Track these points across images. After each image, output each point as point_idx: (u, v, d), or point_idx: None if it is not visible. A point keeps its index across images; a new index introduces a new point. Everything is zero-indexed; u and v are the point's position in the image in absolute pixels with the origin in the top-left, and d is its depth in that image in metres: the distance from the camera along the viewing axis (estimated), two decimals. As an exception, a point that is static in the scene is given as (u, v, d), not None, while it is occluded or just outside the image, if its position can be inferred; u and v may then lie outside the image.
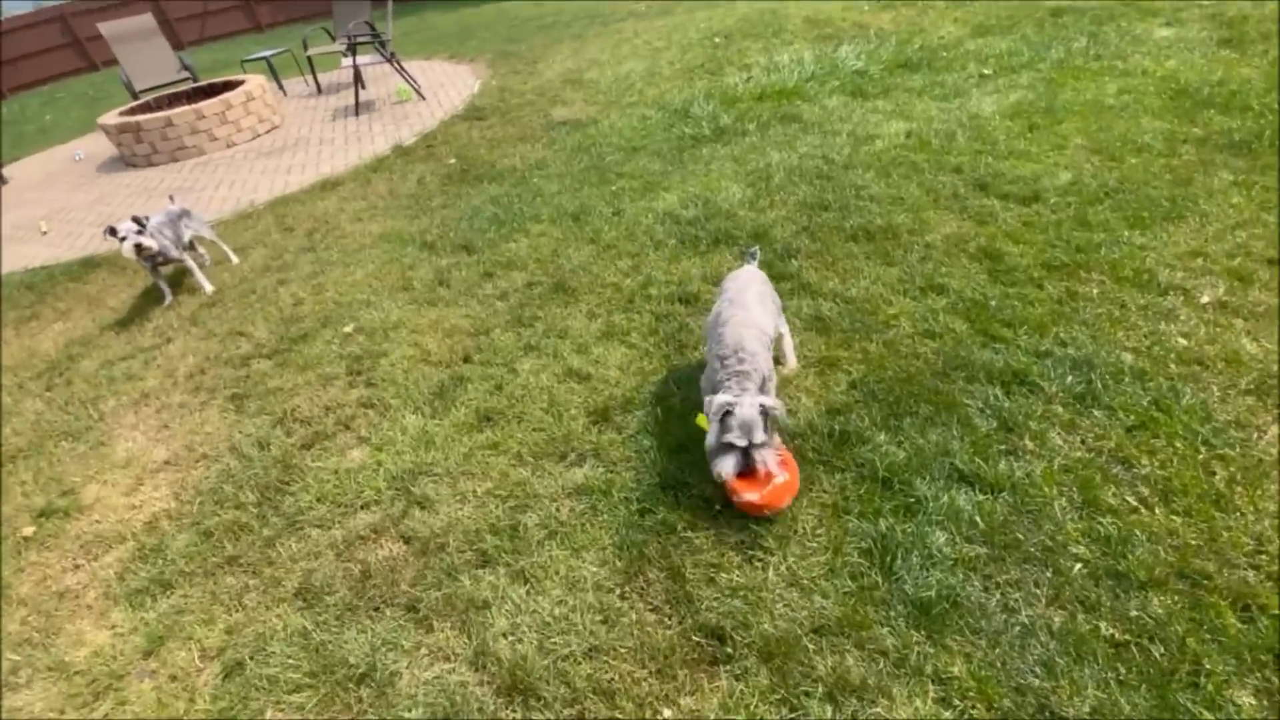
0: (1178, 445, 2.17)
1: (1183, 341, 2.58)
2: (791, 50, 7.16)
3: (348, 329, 3.67)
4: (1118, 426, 2.28)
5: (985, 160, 4.18)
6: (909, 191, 3.99)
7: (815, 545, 2.09)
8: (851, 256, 3.47)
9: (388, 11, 8.90)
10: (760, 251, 2.93)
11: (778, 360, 2.73)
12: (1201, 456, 2.11)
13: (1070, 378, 2.48)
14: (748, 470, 2.03)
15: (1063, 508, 2.06)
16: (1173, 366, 2.47)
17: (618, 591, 2.04)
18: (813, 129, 5.17)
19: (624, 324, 3.21)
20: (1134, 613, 1.74)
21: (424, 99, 8.17)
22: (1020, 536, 1.99)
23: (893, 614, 1.86)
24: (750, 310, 2.34)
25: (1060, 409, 2.38)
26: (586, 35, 9.89)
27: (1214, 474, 2.05)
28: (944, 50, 6.47)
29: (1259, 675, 1.55)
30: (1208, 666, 1.58)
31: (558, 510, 2.32)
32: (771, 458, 2.04)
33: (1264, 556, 1.79)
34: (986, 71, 5.76)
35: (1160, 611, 1.72)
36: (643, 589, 2.04)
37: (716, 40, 8.05)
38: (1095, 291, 2.92)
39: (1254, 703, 1.50)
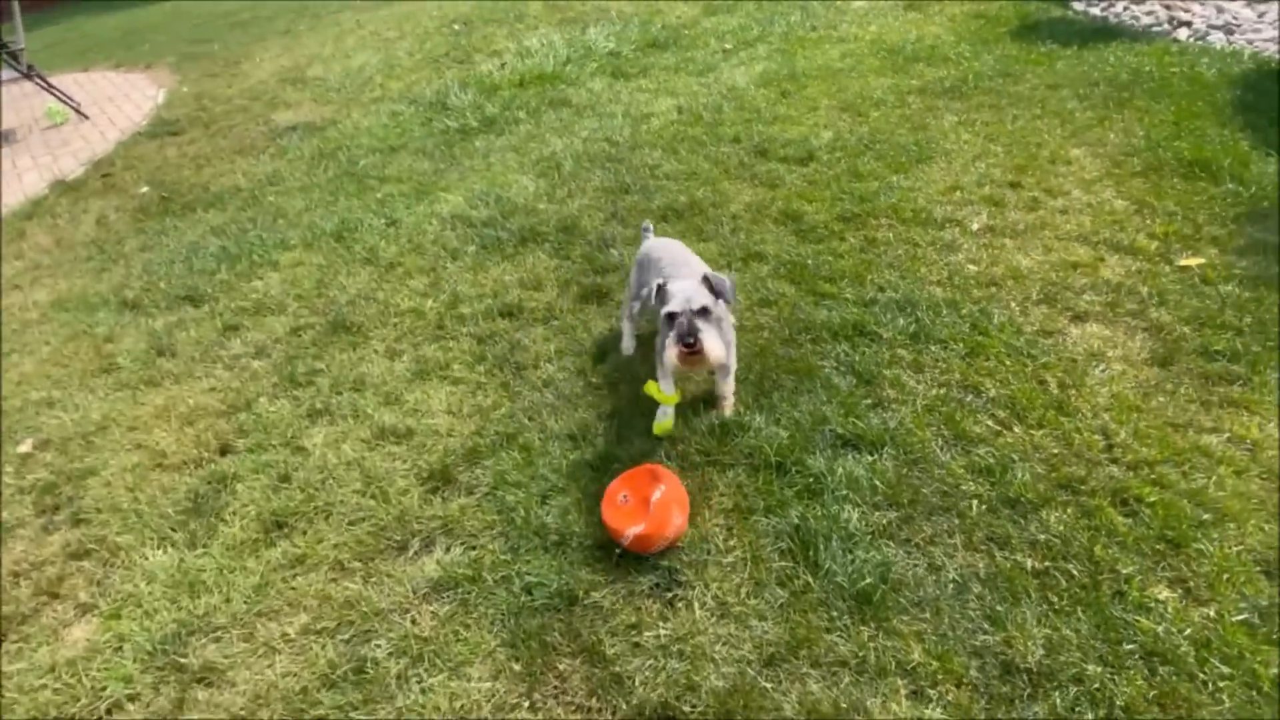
0: (1007, 363, 2.32)
1: (973, 268, 2.82)
2: (539, 35, 6.85)
3: (23, 448, 2.54)
4: (954, 357, 2.38)
5: (756, 128, 4.31)
6: (699, 165, 3.94)
7: (733, 560, 1.84)
8: (668, 236, 3.28)
9: (15, 15, 6.69)
10: (639, 229, 2.58)
11: None
12: (1029, 369, 2.28)
13: (900, 320, 2.56)
14: (691, 347, 1.82)
15: (940, 447, 2.07)
16: (974, 291, 2.67)
17: (526, 704, 1.58)
18: (586, 112, 4.93)
19: (439, 356, 2.64)
20: (1040, 536, 1.77)
21: (87, 118, 6.32)
22: (918, 489, 1.95)
23: (835, 614, 1.68)
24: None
25: (903, 352, 2.43)
26: (297, 30, 8.54)
27: (1045, 383, 2.22)
28: (685, 29, 6.68)
29: (1165, 565, 1.65)
30: (1123, 572, 1.64)
31: (415, 624, 1.76)
32: (713, 338, 1.85)
33: (1117, 450, 1.95)
34: (728, 46, 6.04)
35: (1061, 529, 1.77)
36: (558, 688, 1.61)
37: (456, 28, 7.43)
38: (889, 235, 3.10)
39: (1172, 594, 1.59)
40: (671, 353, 1.84)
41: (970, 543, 1.80)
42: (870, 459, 2.05)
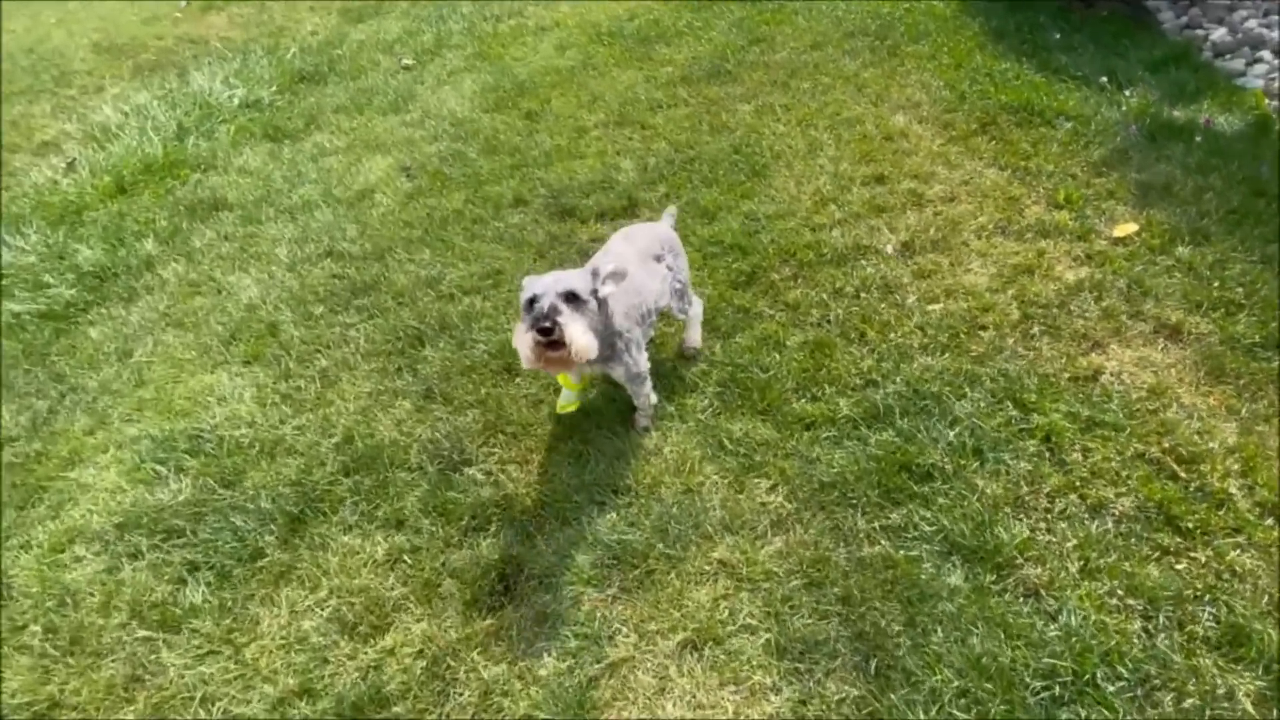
0: (1094, 446, 1.77)
1: (937, 308, 2.23)
2: (112, 100, 4.54)
3: None
4: (1040, 465, 1.76)
5: (534, 175, 3.19)
6: (497, 255, 2.73)
7: None
8: (534, 407, 2.09)
9: None
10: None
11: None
12: (1125, 447, 1.75)
13: (946, 431, 1.85)
14: (549, 334, 1.48)
15: (1149, 629, 1.44)
16: (970, 346, 2.09)
17: None
18: (263, 212, 3.23)
19: None
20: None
21: None
22: (1204, 739, 1.29)
23: None
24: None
25: (985, 484, 1.73)
26: None
27: (1159, 464, 1.70)
28: (332, 48, 5.05)
29: None
30: None
31: None
32: (579, 326, 1.52)
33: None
34: (407, 62, 4.65)
35: None
36: None
37: (-55, 118, 4.57)
38: (810, 294, 2.36)
39: None
40: (524, 342, 1.51)
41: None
42: (1109, 718, 1.32)
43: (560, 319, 1.48)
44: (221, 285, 2.78)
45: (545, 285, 1.55)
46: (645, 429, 1.98)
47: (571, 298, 1.54)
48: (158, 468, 1.99)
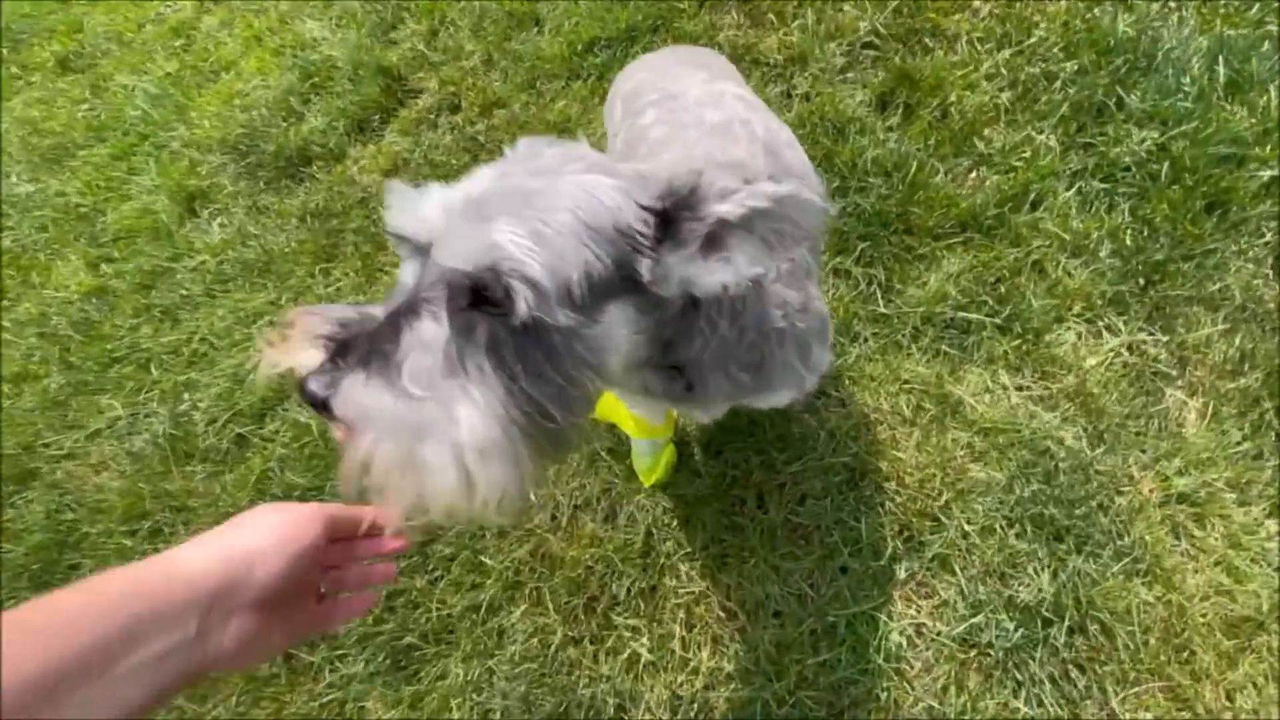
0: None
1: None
2: None
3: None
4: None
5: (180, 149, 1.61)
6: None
7: None
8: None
9: None
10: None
11: None
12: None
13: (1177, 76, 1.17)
14: (322, 407, 0.42)
15: None
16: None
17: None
18: None
19: None
20: None
21: None
22: None
23: None
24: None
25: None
26: None
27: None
28: None
29: None
30: None
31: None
32: (356, 395, 0.42)
33: None
34: None
35: None
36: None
37: None
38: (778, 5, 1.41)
39: None
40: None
41: None
42: None
43: (347, 385, 0.42)
44: None
45: (447, 221, 0.45)
46: (812, 393, 1.01)
47: (476, 297, 0.44)
48: None
